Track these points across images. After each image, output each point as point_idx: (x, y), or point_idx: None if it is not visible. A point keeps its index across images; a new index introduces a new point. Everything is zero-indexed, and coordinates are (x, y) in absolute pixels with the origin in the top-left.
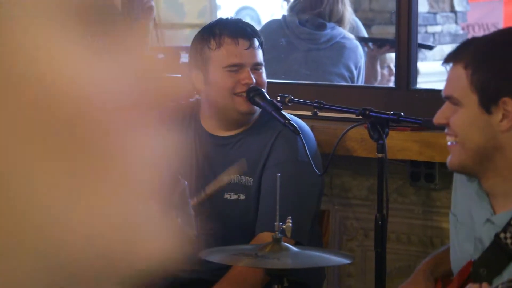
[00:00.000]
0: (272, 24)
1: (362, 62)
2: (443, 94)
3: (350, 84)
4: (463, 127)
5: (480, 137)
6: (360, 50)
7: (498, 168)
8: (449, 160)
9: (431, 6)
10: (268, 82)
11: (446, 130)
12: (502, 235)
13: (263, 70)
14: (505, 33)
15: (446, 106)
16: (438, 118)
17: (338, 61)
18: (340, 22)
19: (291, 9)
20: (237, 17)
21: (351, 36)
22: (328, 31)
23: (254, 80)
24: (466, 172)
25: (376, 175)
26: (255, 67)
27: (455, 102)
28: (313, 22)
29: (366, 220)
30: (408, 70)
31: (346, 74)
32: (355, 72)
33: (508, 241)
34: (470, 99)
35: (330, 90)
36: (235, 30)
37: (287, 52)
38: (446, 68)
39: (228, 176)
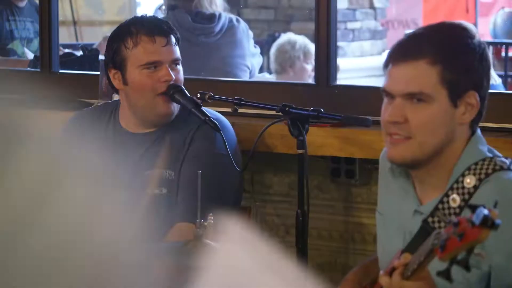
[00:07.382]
0: None
1: (251, 34)
2: (402, 91)
3: (270, 80)
4: (429, 124)
5: (443, 132)
6: (245, 25)
7: (441, 161)
8: (396, 153)
9: (350, 2)
10: (188, 78)
11: (393, 129)
12: (430, 219)
13: (181, 67)
14: (459, 28)
15: (402, 104)
16: (395, 117)
17: (234, 43)
18: (213, 4)
19: (174, 6)
20: (156, 14)
21: (232, 15)
22: (217, 20)
23: (174, 77)
24: (412, 166)
25: (297, 171)
26: (173, 63)
27: (424, 98)
28: (203, 16)
29: (287, 216)
30: (328, 66)
31: (246, 52)
32: (251, 45)
33: (436, 224)
34: (441, 94)
35: (250, 86)
36: (151, 27)
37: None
38: (389, 66)
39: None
